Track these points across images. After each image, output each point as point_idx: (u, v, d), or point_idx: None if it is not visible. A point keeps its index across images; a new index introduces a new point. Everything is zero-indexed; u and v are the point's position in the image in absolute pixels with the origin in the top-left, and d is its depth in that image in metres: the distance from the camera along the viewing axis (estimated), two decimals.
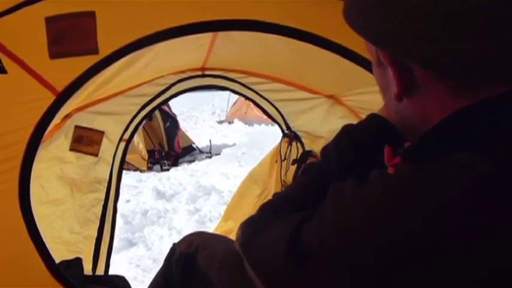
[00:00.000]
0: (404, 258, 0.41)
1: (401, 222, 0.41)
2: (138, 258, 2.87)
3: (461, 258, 0.39)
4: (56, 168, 1.91)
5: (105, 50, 1.06)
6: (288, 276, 0.50)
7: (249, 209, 2.42)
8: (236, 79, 2.17)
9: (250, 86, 2.20)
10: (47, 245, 1.21)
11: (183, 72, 2.09)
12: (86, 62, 1.06)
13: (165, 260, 1.22)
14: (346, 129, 0.68)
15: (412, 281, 0.40)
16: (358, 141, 0.65)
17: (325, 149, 0.68)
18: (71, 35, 1.00)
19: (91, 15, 0.98)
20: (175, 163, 5.79)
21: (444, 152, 0.45)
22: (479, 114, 0.47)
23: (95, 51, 1.03)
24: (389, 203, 0.43)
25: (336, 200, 0.49)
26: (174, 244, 1.23)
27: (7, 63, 1.01)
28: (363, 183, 0.47)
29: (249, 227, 0.60)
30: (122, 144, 2.15)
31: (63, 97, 1.09)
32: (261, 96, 2.24)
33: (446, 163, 0.44)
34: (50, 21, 0.98)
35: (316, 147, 2.21)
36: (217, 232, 2.56)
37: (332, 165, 0.64)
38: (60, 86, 1.08)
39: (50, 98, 1.08)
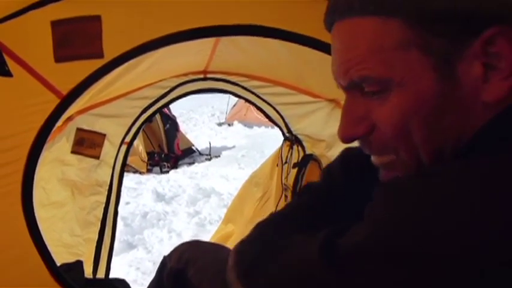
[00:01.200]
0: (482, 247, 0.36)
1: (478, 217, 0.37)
2: (138, 260, 2.86)
3: None
4: (57, 171, 1.90)
5: (109, 54, 1.06)
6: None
7: (250, 212, 2.42)
8: (238, 82, 2.18)
9: (251, 90, 2.20)
10: (49, 248, 1.21)
11: (185, 75, 2.10)
12: (91, 65, 1.06)
13: (157, 273, 1.18)
14: (346, 151, 0.65)
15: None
16: (362, 160, 0.60)
17: (328, 168, 0.64)
18: (76, 38, 1.00)
19: (97, 19, 0.99)
20: (174, 165, 5.78)
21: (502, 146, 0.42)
22: None
23: (100, 55, 1.03)
24: (462, 196, 0.38)
25: (391, 196, 0.43)
26: (164, 257, 1.19)
27: (12, 66, 1.01)
28: (420, 178, 0.42)
29: (250, 249, 0.53)
30: (123, 147, 2.15)
31: (67, 100, 1.09)
32: (263, 99, 2.24)
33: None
34: (55, 24, 0.99)
35: (317, 150, 2.21)
36: (218, 235, 2.56)
37: (338, 183, 0.60)
38: (64, 90, 1.08)
39: (54, 102, 1.09)
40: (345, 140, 0.52)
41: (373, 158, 0.54)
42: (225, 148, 6.83)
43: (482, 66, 0.44)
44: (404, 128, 0.47)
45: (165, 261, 1.16)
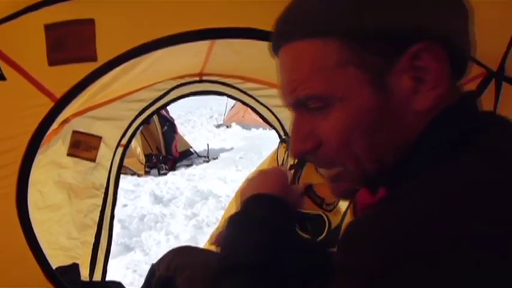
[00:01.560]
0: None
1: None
2: (135, 263, 2.86)
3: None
4: (54, 173, 1.91)
5: (103, 57, 1.07)
6: None
7: None
8: (233, 85, 2.18)
9: (247, 92, 2.21)
10: (44, 251, 1.21)
11: (181, 77, 2.10)
12: (85, 68, 1.07)
13: (145, 281, 1.17)
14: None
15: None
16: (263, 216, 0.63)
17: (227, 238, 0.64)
18: (70, 42, 1.01)
19: (90, 22, 0.99)
20: (172, 167, 5.79)
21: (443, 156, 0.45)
22: (465, 109, 0.50)
23: (94, 58, 1.04)
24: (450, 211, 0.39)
25: (362, 240, 0.41)
26: (152, 265, 1.17)
27: (6, 70, 1.01)
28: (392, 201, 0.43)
29: None
30: (120, 150, 2.15)
31: (61, 104, 1.10)
32: (258, 101, 2.25)
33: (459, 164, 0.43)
34: (49, 28, 0.99)
35: None
36: None
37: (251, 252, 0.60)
38: (58, 93, 1.09)
39: (48, 105, 1.09)
40: (296, 155, 0.56)
41: (321, 171, 0.57)
42: (223, 150, 6.83)
43: (412, 79, 0.48)
44: (347, 141, 0.50)
45: (154, 269, 1.14)
